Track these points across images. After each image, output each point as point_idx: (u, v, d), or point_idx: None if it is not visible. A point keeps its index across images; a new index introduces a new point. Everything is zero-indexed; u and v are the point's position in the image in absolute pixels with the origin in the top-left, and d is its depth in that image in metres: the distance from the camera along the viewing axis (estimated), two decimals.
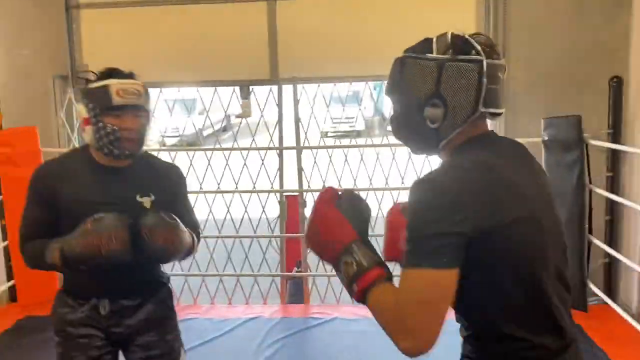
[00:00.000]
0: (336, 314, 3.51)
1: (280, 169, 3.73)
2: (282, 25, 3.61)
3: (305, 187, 3.73)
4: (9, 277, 3.66)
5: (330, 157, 3.72)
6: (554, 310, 1.10)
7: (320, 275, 3.83)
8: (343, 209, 1.17)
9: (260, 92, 3.86)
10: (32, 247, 1.70)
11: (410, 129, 1.18)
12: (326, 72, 3.64)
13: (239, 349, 3.09)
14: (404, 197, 3.63)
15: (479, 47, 1.11)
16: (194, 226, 1.84)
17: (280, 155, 3.72)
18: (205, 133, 6.98)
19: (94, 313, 1.75)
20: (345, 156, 3.70)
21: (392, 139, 3.68)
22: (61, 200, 1.67)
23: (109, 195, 1.68)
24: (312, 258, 3.81)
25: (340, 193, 1.21)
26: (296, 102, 3.66)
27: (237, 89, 3.76)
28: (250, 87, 3.76)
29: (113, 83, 1.64)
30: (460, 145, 1.15)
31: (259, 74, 3.68)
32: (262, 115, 3.76)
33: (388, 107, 3.97)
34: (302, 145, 3.71)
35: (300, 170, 3.73)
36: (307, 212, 3.78)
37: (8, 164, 3.43)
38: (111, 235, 1.56)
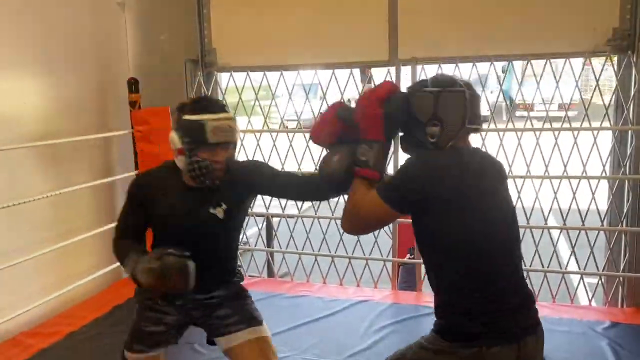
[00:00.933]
0: None
1: (395, 151, 3.65)
2: (403, 4, 3.50)
3: None
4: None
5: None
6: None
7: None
8: (388, 109, 1.56)
9: (381, 76, 3.80)
10: (120, 248, 1.94)
11: (417, 147, 1.59)
12: (448, 53, 3.49)
13: (348, 329, 3.11)
14: (527, 184, 3.41)
15: (461, 83, 1.57)
16: (295, 178, 1.98)
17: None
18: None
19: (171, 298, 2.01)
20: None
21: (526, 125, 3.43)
22: (153, 212, 1.93)
23: (192, 211, 1.90)
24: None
25: (392, 93, 1.58)
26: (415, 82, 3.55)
27: (356, 73, 3.74)
28: (386, 73, 3.71)
29: (209, 121, 1.79)
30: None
31: (377, 55, 3.62)
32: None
33: (515, 90, 3.71)
34: None
35: None
36: None
37: (144, 140, 3.74)
38: (172, 277, 1.73)
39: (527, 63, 3.40)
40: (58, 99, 3.47)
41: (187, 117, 1.83)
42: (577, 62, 3.60)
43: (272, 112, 4.20)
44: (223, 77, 4.11)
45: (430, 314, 3.22)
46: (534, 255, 3.52)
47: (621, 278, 3.35)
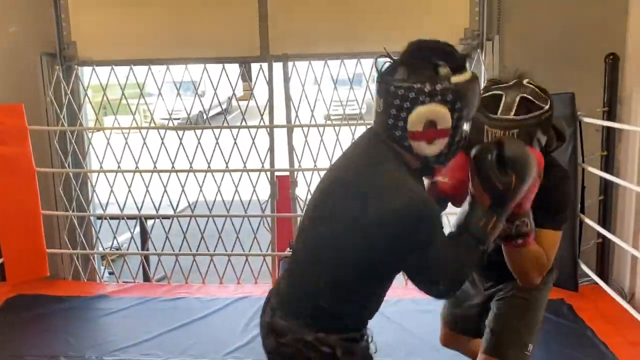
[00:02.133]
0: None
1: (271, 148, 3.68)
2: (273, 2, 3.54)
3: (296, 166, 3.69)
4: None
5: (321, 136, 3.67)
6: None
7: None
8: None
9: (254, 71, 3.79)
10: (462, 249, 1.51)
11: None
12: (318, 50, 3.58)
13: (227, 327, 3.08)
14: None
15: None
16: None
17: (271, 135, 3.67)
18: (211, 113, 6.90)
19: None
20: (337, 136, 3.65)
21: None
22: None
23: None
24: None
25: None
26: (287, 80, 3.60)
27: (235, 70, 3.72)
28: (258, 69, 3.69)
29: (475, 77, 1.33)
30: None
31: (249, 51, 3.61)
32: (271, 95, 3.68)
33: None
34: (293, 124, 3.66)
35: (291, 149, 3.69)
36: (298, 192, 3.75)
37: None
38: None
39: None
40: None
41: (458, 79, 1.26)
42: None
43: (145, 110, 4.04)
44: (85, 72, 3.85)
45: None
46: None
47: None
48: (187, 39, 3.63)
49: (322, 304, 1.38)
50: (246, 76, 3.69)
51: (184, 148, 3.72)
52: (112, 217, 3.93)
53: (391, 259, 1.33)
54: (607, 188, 3.27)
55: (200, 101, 3.89)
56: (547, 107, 1.55)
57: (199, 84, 3.76)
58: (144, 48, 3.67)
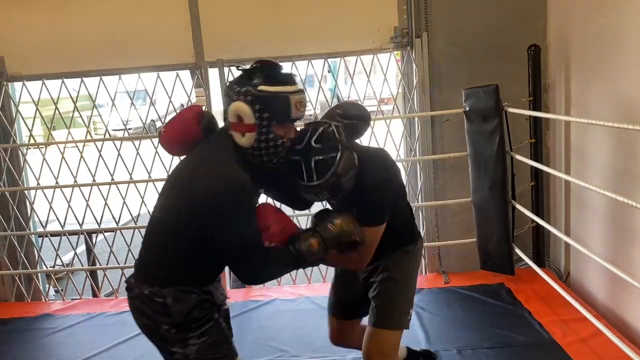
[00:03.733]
0: (276, 295, 3.52)
1: None
2: (203, 5, 3.54)
3: None
4: None
5: None
6: None
7: None
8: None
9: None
10: (277, 254, 1.80)
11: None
12: (252, 54, 3.59)
13: None
14: None
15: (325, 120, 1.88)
16: None
17: None
18: (157, 124, 6.83)
19: None
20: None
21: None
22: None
23: (258, 196, 1.84)
24: None
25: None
26: (223, 84, 3.60)
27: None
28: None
29: (292, 93, 1.64)
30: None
31: (184, 58, 3.60)
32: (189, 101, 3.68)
33: (346, 90, 4.00)
34: None
35: None
36: None
37: None
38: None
39: (340, 61, 3.65)
40: None
41: (265, 88, 1.61)
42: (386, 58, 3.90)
43: (96, 122, 3.96)
44: (16, 88, 3.75)
45: (256, 307, 3.33)
46: None
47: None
48: (120, 48, 3.59)
49: (160, 265, 1.72)
50: (201, 82, 3.67)
51: (122, 159, 3.67)
52: (53, 234, 3.85)
53: (200, 233, 1.64)
54: (537, 174, 3.41)
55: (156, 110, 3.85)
56: (339, 155, 1.70)
57: (134, 94, 3.71)
58: (77, 60, 3.60)
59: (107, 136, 4.24)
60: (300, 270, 3.75)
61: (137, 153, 3.68)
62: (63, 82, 3.61)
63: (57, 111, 3.69)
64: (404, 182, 2.17)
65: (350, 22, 3.58)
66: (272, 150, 1.65)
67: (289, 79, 1.66)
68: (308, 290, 3.60)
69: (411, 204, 3.66)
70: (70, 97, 3.66)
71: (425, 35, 3.51)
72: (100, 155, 3.63)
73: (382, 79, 3.67)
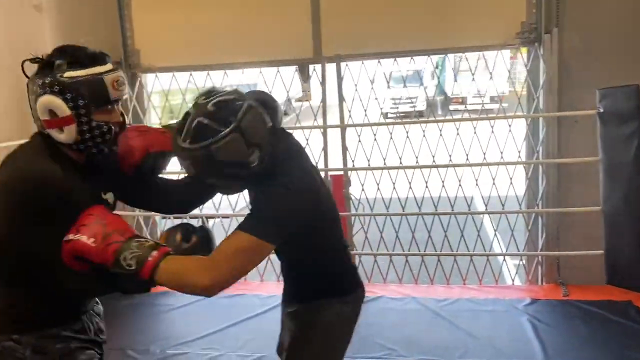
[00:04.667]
0: (382, 293, 3.51)
1: (325, 148, 3.72)
2: (325, 1, 3.58)
3: (349, 165, 3.71)
4: None
5: (374, 135, 3.68)
6: None
7: (366, 254, 3.82)
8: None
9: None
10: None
11: (243, 180, 1.45)
12: (370, 49, 3.59)
13: None
14: (450, 175, 3.58)
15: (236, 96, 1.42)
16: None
17: (325, 135, 3.71)
18: None
19: None
20: (391, 134, 3.64)
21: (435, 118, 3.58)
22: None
23: (92, 196, 1.47)
24: (358, 237, 3.81)
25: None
26: (340, 80, 3.63)
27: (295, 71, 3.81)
28: (312, 70, 3.76)
29: (105, 73, 1.41)
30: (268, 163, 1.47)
31: (303, 53, 3.67)
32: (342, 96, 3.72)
33: (450, 86, 3.88)
34: (346, 123, 3.69)
35: (344, 149, 3.71)
36: (352, 190, 3.77)
37: None
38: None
39: (461, 58, 3.57)
40: None
41: (71, 73, 1.38)
42: (504, 55, 3.78)
43: None
44: (148, 79, 4.04)
45: (365, 302, 3.34)
46: (460, 240, 3.67)
47: (540, 257, 3.55)
48: (243, 44, 3.74)
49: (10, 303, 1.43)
50: (306, 78, 3.75)
51: None
52: (176, 217, 4.10)
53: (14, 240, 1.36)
54: None
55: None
56: (225, 132, 1.34)
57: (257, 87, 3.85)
58: (203, 55, 3.80)
59: None
60: (407, 269, 3.75)
61: None
62: (191, 75, 3.83)
63: (184, 101, 3.92)
64: (335, 216, 1.67)
65: (473, 16, 3.45)
66: (100, 139, 1.41)
67: (98, 59, 1.43)
68: (414, 291, 3.54)
69: (531, 209, 3.59)
70: (198, 89, 3.87)
71: (556, 30, 3.29)
72: None
73: (492, 76, 3.53)
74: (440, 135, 3.60)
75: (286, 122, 4.31)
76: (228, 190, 1.58)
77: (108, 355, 2.85)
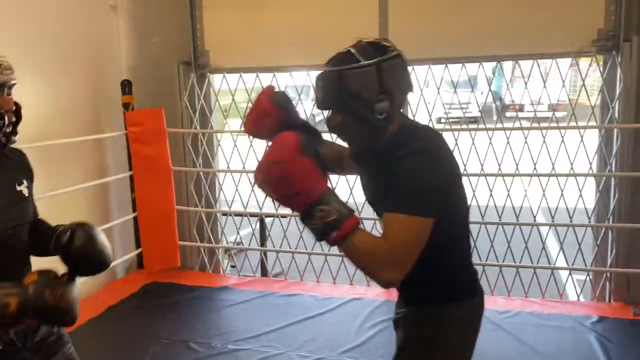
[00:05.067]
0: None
1: None
2: (393, 4, 3.57)
3: None
4: (137, 246, 4.04)
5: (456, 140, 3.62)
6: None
7: None
8: (309, 153, 1.30)
9: None
10: None
11: (362, 127, 1.38)
12: (437, 53, 3.55)
13: (341, 326, 3.16)
14: (516, 183, 3.49)
15: (389, 46, 1.39)
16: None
17: None
18: (317, 119, 7.15)
19: None
20: (456, 140, 3.59)
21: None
22: None
23: (5, 190, 1.45)
24: None
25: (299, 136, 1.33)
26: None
27: None
28: None
29: None
30: (398, 132, 1.41)
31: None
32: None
33: (504, 91, 3.79)
34: None
35: None
36: None
37: (138, 142, 3.76)
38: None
39: (515, 64, 3.48)
40: (52, 101, 3.48)
41: None
42: (565, 62, 3.68)
43: None
44: (216, 79, 4.14)
45: None
46: (524, 252, 3.58)
47: (608, 273, 3.42)
48: (309, 45, 3.76)
49: None
50: None
51: None
52: (236, 214, 4.19)
53: None
54: None
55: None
56: (364, 63, 1.33)
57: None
58: (270, 56, 3.86)
59: None
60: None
61: None
62: (257, 76, 3.90)
63: (250, 101, 3.99)
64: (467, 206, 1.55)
65: (546, 22, 3.35)
66: None
67: None
68: None
69: (601, 223, 3.47)
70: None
71: (637, 39, 3.15)
72: None
73: (551, 84, 3.43)
74: (508, 143, 3.52)
75: None
76: (351, 137, 1.46)
77: (172, 347, 2.97)
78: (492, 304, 3.41)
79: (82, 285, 3.61)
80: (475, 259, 3.69)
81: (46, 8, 3.41)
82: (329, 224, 1.28)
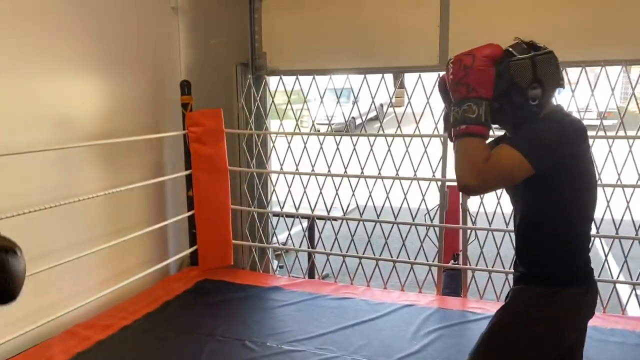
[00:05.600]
0: (496, 311, 3.38)
1: (444, 157, 3.66)
2: (455, 7, 3.52)
3: None
4: (192, 243, 4.11)
5: None
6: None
7: (481, 269, 3.71)
8: (498, 72, 1.56)
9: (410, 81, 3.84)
10: None
11: (517, 111, 1.61)
12: None
13: (395, 332, 3.13)
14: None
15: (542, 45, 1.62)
16: None
17: (445, 144, 3.65)
18: (357, 122, 7.11)
19: None
20: None
21: None
22: None
23: None
24: (472, 251, 3.72)
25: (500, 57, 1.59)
26: None
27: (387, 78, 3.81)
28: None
29: None
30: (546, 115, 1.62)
31: (427, 60, 3.63)
32: (428, 103, 3.70)
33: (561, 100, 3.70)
34: None
35: None
36: (469, 203, 3.67)
37: (197, 142, 3.83)
38: None
39: (582, 71, 3.38)
40: (114, 100, 3.58)
41: None
42: (615, 70, 3.53)
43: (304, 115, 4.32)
44: (271, 81, 4.18)
45: (476, 320, 3.25)
46: None
47: None
48: (366, 48, 3.75)
49: None
50: (403, 83, 3.72)
51: (356, 154, 3.86)
52: (288, 215, 4.22)
53: None
54: None
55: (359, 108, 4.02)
56: (520, 57, 1.58)
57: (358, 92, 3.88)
58: (326, 59, 3.87)
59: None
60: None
61: (371, 149, 3.83)
62: (314, 78, 3.91)
63: (305, 102, 4.01)
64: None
65: (595, 29, 3.26)
66: None
67: None
68: None
69: None
70: (318, 90, 3.94)
71: None
72: (337, 149, 3.88)
73: (598, 91, 3.34)
74: None
75: (376, 127, 4.31)
76: (506, 121, 1.67)
77: (228, 345, 3.00)
78: None
79: (137, 282, 3.72)
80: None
81: (111, 10, 3.51)
82: (466, 118, 1.52)
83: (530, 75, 1.56)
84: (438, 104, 3.63)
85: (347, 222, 4.06)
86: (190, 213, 4.01)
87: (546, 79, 1.58)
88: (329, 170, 3.94)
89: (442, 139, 3.65)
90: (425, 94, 3.63)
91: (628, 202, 3.36)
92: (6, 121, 2.83)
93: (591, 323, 3.14)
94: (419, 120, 3.82)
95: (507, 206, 3.52)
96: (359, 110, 4.13)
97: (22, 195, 2.90)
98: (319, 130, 4.65)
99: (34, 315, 2.90)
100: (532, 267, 1.68)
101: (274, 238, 4.33)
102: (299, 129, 4.04)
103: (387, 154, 3.79)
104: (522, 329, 1.65)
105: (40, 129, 3.06)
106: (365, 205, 3.96)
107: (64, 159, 3.19)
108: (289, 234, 4.25)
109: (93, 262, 3.36)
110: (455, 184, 3.66)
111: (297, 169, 4.02)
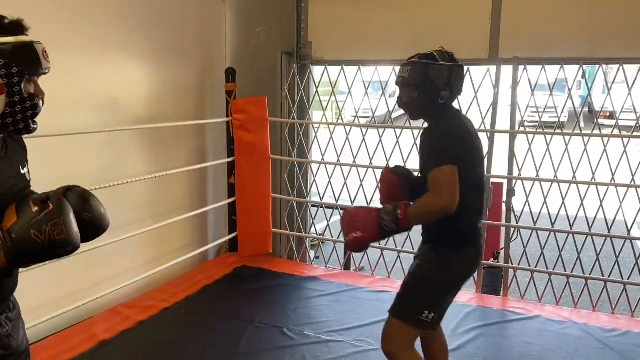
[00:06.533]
0: (538, 312, 3.31)
1: (490, 153, 3.58)
2: (507, 1, 3.43)
3: (515, 174, 3.54)
4: (230, 229, 4.15)
5: (548, 145, 3.47)
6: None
7: (523, 269, 3.63)
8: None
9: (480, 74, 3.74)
10: None
11: (427, 103, 2.02)
12: (551, 53, 3.38)
13: None
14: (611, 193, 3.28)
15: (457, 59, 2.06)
16: None
17: (491, 139, 3.57)
18: (394, 115, 7.02)
19: None
20: (566, 145, 3.41)
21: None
22: None
23: (13, 172, 1.40)
24: (515, 250, 3.64)
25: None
26: (515, 84, 3.47)
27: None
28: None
29: (35, 42, 1.32)
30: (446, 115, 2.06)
31: (477, 53, 3.55)
32: (475, 97, 3.62)
33: (596, 97, 3.56)
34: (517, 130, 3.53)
35: (511, 156, 3.55)
36: (514, 201, 3.59)
37: (241, 129, 3.85)
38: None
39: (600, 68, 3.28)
40: (162, 86, 3.63)
41: (3, 39, 1.27)
42: None
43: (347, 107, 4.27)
44: (316, 71, 4.16)
45: (517, 320, 3.18)
46: (633, 268, 3.36)
47: None
48: (413, 40, 3.69)
49: None
50: None
51: (399, 147, 3.81)
52: (327, 206, 4.21)
53: None
54: None
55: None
56: (442, 63, 1.99)
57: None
58: (371, 50, 3.83)
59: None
60: (567, 291, 3.49)
61: (397, 142, 3.78)
62: (359, 69, 3.87)
63: (349, 94, 3.98)
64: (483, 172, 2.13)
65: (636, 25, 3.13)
66: (30, 112, 1.32)
67: (21, 27, 1.30)
68: (574, 315, 3.30)
69: None
70: (363, 82, 3.90)
71: None
72: (380, 141, 3.84)
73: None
74: (604, 151, 3.31)
75: (419, 121, 4.23)
76: (412, 109, 2.07)
77: (267, 332, 3.01)
78: (595, 320, 3.24)
79: (176, 265, 3.77)
80: (577, 271, 3.52)
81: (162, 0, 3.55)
82: (394, 217, 1.91)
83: (446, 79, 1.98)
84: (486, 98, 3.59)
85: None
86: (231, 200, 4.04)
87: (455, 86, 2.01)
88: (371, 163, 3.91)
89: (488, 134, 3.57)
90: (473, 88, 3.55)
91: None
92: (64, 105, 2.89)
93: (636, 328, 3.07)
94: (485, 116, 3.75)
95: (554, 207, 3.47)
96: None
97: (72, 175, 2.96)
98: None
99: (79, 294, 2.98)
100: (439, 232, 2.06)
101: (312, 228, 4.33)
102: (342, 120, 4.01)
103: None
104: (431, 271, 2.07)
105: (94, 112, 3.14)
106: None
107: (114, 142, 3.25)
108: (328, 224, 4.24)
109: (135, 245, 3.42)
110: (499, 180, 3.62)
111: (338, 160, 4.00)
